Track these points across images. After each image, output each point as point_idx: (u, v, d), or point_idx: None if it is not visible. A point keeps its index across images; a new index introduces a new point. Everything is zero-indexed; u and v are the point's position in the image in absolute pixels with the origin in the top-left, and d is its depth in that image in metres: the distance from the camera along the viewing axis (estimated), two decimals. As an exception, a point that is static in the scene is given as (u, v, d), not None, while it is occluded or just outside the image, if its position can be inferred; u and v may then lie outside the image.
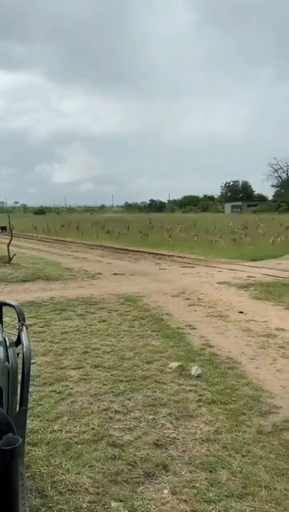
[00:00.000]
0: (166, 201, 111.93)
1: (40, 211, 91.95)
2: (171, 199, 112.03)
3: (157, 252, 16.41)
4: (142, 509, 2.57)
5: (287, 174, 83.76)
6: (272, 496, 2.71)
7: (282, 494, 2.74)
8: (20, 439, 1.21)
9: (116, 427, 3.51)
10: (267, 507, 2.62)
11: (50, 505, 2.57)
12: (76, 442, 3.26)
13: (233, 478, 2.88)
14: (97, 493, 2.69)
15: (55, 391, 4.14)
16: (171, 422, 3.61)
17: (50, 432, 3.39)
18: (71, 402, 3.94)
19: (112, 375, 4.55)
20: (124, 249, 17.85)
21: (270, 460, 3.10)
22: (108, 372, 4.64)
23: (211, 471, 2.94)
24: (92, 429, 3.45)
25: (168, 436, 3.39)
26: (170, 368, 4.74)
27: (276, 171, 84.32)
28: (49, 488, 2.71)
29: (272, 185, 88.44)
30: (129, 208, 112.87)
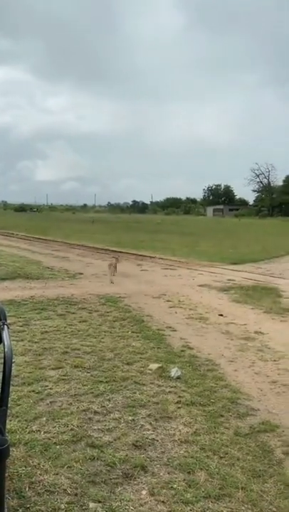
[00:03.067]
0: (148, 202, 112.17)
1: (21, 208, 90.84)
2: (153, 200, 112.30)
3: (139, 253, 16.43)
4: (120, 510, 2.58)
5: (268, 180, 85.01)
6: (249, 497, 2.75)
7: (258, 495, 2.78)
8: (8, 440, 1.20)
9: (95, 427, 3.51)
10: (243, 508, 2.66)
11: (28, 506, 2.55)
12: (55, 443, 3.24)
13: (210, 479, 2.91)
14: (76, 494, 2.68)
15: (34, 391, 4.10)
16: (151, 424, 3.62)
17: (29, 433, 3.36)
18: (50, 402, 3.92)
19: (91, 375, 4.54)
20: (106, 250, 17.80)
21: (246, 461, 3.14)
22: (88, 372, 4.62)
23: (189, 473, 2.97)
24: (71, 429, 3.44)
25: (147, 438, 3.40)
26: (150, 370, 4.76)
27: (258, 176, 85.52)
28: (27, 489, 2.69)
29: (254, 190, 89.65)
30: (111, 208, 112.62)
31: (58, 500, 2.62)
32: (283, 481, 2.94)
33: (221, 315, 7.47)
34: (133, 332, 6.20)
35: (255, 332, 6.51)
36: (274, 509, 2.68)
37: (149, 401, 4.01)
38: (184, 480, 2.89)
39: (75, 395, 4.07)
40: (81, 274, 11.45)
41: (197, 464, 3.06)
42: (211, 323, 6.92)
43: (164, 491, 2.77)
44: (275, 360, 5.33)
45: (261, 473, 3.03)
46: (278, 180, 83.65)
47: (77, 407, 3.81)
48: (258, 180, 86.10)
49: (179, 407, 3.92)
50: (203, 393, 4.23)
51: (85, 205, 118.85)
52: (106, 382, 4.38)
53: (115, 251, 17.34)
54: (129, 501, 2.65)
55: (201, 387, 4.38)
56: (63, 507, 2.56)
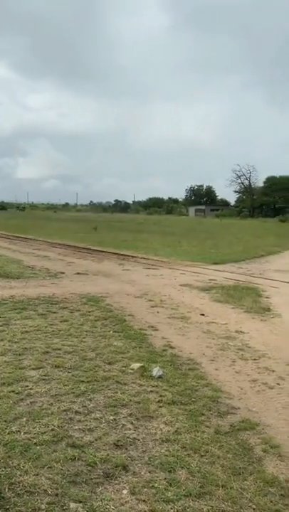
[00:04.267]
0: (131, 202, 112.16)
1: (1, 207, 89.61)
2: (136, 200, 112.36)
3: (121, 253, 16.40)
4: (101, 510, 2.57)
5: (249, 181, 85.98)
6: (229, 495, 2.78)
7: (238, 493, 2.82)
8: None
9: (76, 427, 3.49)
10: (224, 506, 2.69)
11: (8, 507, 2.52)
12: (35, 443, 3.21)
13: (191, 477, 2.93)
14: (56, 495, 2.66)
15: (13, 391, 4.05)
16: (132, 423, 3.62)
17: (8, 433, 3.32)
18: (30, 402, 3.88)
19: (73, 375, 4.51)
20: (88, 249, 17.71)
21: (227, 459, 3.18)
22: (69, 372, 4.59)
23: (170, 471, 2.98)
24: (52, 430, 3.41)
25: (128, 437, 3.40)
26: (132, 369, 4.76)
27: (239, 177, 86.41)
28: (6, 490, 2.66)
29: (235, 191, 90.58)
30: (93, 207, 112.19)
31: (39, 500, 2.59)
32: (263, 479, 2.99)
33: (203, 314, 7.52)
34: (115, 331, 6.19)
35: (236, 331, 6.58)
36: (253, 506, 2.72)
37: (130, 400, 4.01)
38: (165, 479, 2.90)
39: (55, 395, 4.04)
40: (62, 273, 11.36)
41: (178, 462, 3.08)
42: (193, 323, 6.96)
43: (145, 490, 2.78)
44: (255, 359, 5.40)
45: (241, 470, 3.07)
46: (259, 182, 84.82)
47: (58, 407, 3.78)
48: (239, 181, 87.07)
49: (160, 406, 3.93)
50: (185, 392, 4.25)
51: (66, 204, 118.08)
52: (87, 382, 4.36)
53: (97, 250, 17.28)
54: (110, 501, 2.65)
55: (182, 386, 4.40)
56: (44, 507, 2.54)
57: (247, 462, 3.18)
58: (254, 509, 2.69)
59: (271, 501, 2.77)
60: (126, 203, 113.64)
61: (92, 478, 2.86)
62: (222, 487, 2.85)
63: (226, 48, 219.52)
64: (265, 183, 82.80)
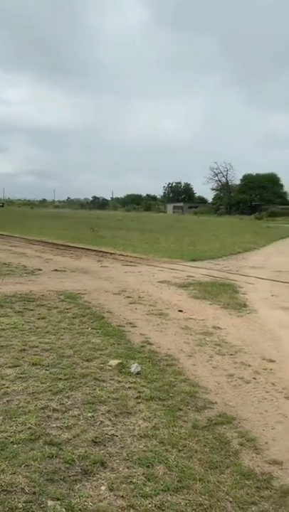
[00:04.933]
0: (109, 199, 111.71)
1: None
2: (114, 197, 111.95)
3: (99, 250, 16.34)
4: (79, 507, 2.56)
5: (226, 179, 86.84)
6: (206, 489, 2.82)
7: (215, 486, 2.86)
8: None
9: (54, 425, 3.46)
10: (201, 499, 2.72)
11: (-17, 507, 2.48)
12: (12, 442, 3.17)
13: (169, 472, 2.96)
14: (34, 493, 2.64)
15: (-10, 390, 3.99)
16: (110, 419, 3.63)
17: (-16, 433, 3.27)
18: (7, 401, 3.83)
19: (50, 373, 4.48)
20: (66, 246, 17.57)
21: (204, 454, 3.21)
22: (47, 370, 4.55)
23: (148, 467, 3.00)
24: (29, 428, 3.38)
25: (106, 434, 3.40)
26: (110, 366, 4.75)
27: (216, 174, 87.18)
28: (-18, 490, 2.62)
29: (212, 189, 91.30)
30: (71, 203, 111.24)
31: (16, 499, 2.57)
32: (239, 472, 3.04)
33: (181, 311, 7.57)
34: (93, 328, 6.17)
35: (213, 327, 6.66)
36: (230, 499, 2.76)
37: (108, 397, 4.01)
38: (143, 474, 2.92)
39: (33, 393, 4.00)
40: (40, 270, 11.24)
41: (156, 457, 3.10)
42: (171, 319, 7.00)
43: (124, 485, 2.79)
44: (231, 354, 5.48)
45: (218, 464, 3.11)
46: (236, 180, 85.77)
47: (35, 405, 3.75)
48: (216, 179, 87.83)
49: (138, 402, 3.95)
50: (163, 388, 4.28)
51: (43, 200, 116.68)
52: (65, 379, 4.33)
53: (75, 247, 17.16)
54: (88, 497, 2.65)
55: (160, 382, 4.43)
56: (21, 506, 2.52)
57: (224, 456, 3.22)
58: (231, 502, 2.74)
59: (247, 494, 2.82)
60: (104, 200, 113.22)
61: (70, 476, 2.85)
62: (199, 481, 2.89)
63: (205, 46, 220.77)
64: (241, 180, 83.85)
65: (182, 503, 2.67)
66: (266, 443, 3.46)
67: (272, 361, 5.32)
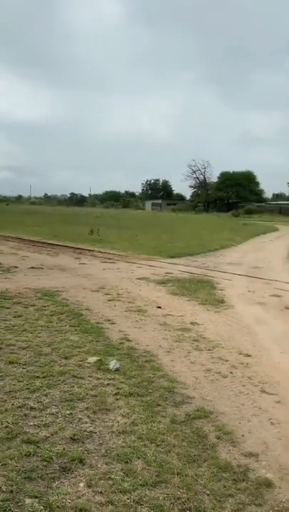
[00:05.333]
0: (87, 195, 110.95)
1: None
2: (92, 193, 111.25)
3: (77, 247, 16.22)
4: (57, 504, 2.56)
5: (204, 176, 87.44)
6: (184, 482, 2.85)
7: (193, 479, 2.90)
8: None
9: (31, 423, 3.44)
10: (179, 493, 2.75)
11: None
12: (-12, 441, 3.13)
13: (147, 467, 2.98)
14: (11, 491, 2.62)
15: None
16: (89, 416, 3.62)
17: None
18: (-17, 400, 3.77)
19: (27, 371, 4.43)
20: (43, 243, 17.37)
21: (182, 448, 3.25)
22: (24, 368, 4.50)
23: (126, 462, 3.01)
24: (6, 427, 3.34)
25: (85, 431, 3.40)
26: (88, 363, 4.74)
27: (194, 172, 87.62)
28: None
29: (190, 186, 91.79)
30: (48, 200, 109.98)
31: (-8, 499, 2.54)
32: (216, 465, 3.08)
33: (159, 307, 7.61)
34: (71, 326, 6.13)
35: (191, 323, 6.72)
36: (208, 492, 2.80)
37: (87, 394, 4.00)
38: (122, 470, 2.93)
39: (9, 391, 3.95)
40: (16, 267, 11.07)
41: (135, 453, 3.12)
42: (149, 316, 7.03)
43: (102, 481, 2.79)
44: (209, 350, 5.54)
45: (196, 458, 3.15)
46: (213, 177, 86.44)
47: (12, 404, 3.70)
48: (194, 176, 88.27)
49: (117, 399, 3.95)
50: (141, 384, 4.30)
51: (20, 197, 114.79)
52: (43, 377, 4.29)
53: (53, 244, 16.99)
54: (66, 495, 2.64)
55: (139, 378, 4.44)
56: (-2, 506, 2.49)
57: (201, 449, 3.27)
58: (208, 495, 2.78)
59: (224, 486, 2.87)
60: (82, 196, 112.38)
61: (48, 473, 2.84)
62: (177, 475, 2.92)
63: (181, 43, 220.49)
64: (219, 178, 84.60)
65: (160, 497, 2.69)
66: (242, 436, 3.53)
67: (248, 356, 5.41)
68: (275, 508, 2.71)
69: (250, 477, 2.99)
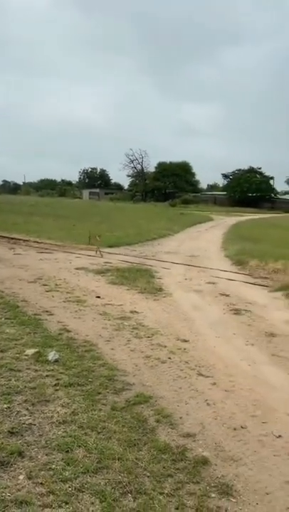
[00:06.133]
0: (21, 183, 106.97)
1: None
2: (26, 181, 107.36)
3: (11, 237, 15.66)
4: (-4, 499, 2.50)
5: (141, 166, 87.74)
6: (125, 466, 2.91)
7: (134, 463, 2.96)
8: None
9: None
10: (120, 477, 2.81)
11: None
12: None
13: (88, 455, 3.00)
14: None
15: None
16: (27, 409, 3.56)
17: None
18: None
19: None
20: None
21: (123, 433, 3.31)
22: None
23: (67, 452, 3.01)
24: None
25: (24, 423, 3.34)
26: (26, 355, 4.64)
27: (132, 161, 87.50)
28: None
29: (128, 176, 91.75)
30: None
31: None
32: (156, 447, 3.18)
33: (98, 297, 7.60)
34: (7, 318, 5.94)
35: (131, 311, 6.79)
36: (148, 474, 2.88)
37: (25, 387, 3.92)
38: (63, 459, 2.93)
39: None
40: None
41: (75, 442, 3.12)
42: (89, 306, 7.00)
43: (43, 472, 2.77)
44: (148, 337, 5.65)
45: (136, 442, 3.22)
46: (151, 167, 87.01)
47: None
48: (132, 165, 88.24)
49: (56, 390, 3.92)
50: (81, 373, 4.29)
51: None
52: (-22, 371, 4.14)
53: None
54: (5, 488, 2.59)
55: (79, 368, 4.43)
56: None
57: (141, 433, 3.35)
58: (148, 476, 2.86)
59: (164, 467, 2.97)
60: (15, 184, 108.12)
61: (-15, 470, 2.76)
62: (118, 460, 2.97)
63: (118, 29, 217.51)
64: (156, 168, 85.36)
65: (102, 483, 2.73)
66: (180, 418, 3.66)
67: (185, 341, 5.59)
68: (212, 484, 2.85)
69: (188, 456, 3.12)
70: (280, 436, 3.49)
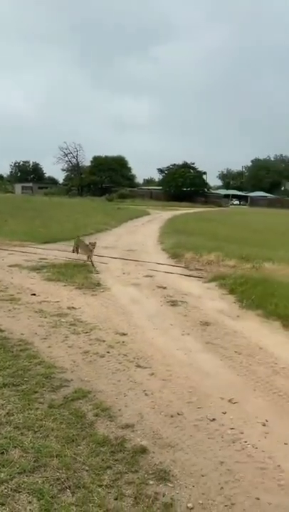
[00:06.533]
0: None
1: None
2: None
3: None
4: None
5: (76, 159, 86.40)
6: (63, 463, 2.89)
7: (72, 459, 2.96)
8: None
9: None
10: (58, 474, 2.79)
11: None
12: None
13: (25, 454, 2.94)
14: None
15: None
16: None
17: None
18: None
19: None
20: None
21: (61, 430, 3.28)
22: None
23: (2, 453, 2.94)
24: None
25: None
26: None
27: (66, 155, 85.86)
28: None
29: (63, 170, 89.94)
30: None
31: None
32: (94, 441, 3.19)
33: (34, 294, 7.41)
34: None
35: (68, 308, 6.71)
36: (86, 468, 2.89)
37: None
38: (-2, 462, 2.84)
39: None
40: None
41: (11, 442, 3.05)
42: (23, 304, 6.81)
43: (-24, 477, 2.68)
44: (86, 332, 5.62)
45: (74, 437, 3.21)
46: (86, 161, 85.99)
47: None
48: (66, 159, 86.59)
49: (-10, 392, 3.78)
50: (17, 373, 4.18)
51: None
52: None
53: None
54: None
55: (14, 367, 4.31)
56: None
57: (80, 429, 3.34)
58: (87, 470, 2.87)
59: (103, 460, 3.00)
60: None
61: None
62: (56, 457, 2.95)
63: (57, 20, 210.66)
64: (91, 162, 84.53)
65: (39, 482, 2.69)
66: (119, 410, 3.70)
67: (124, 334, 5.63)
68: (150, 472, 2.92)
69: (127, 447, 3.16)
70: (214, 419, 3.65)
